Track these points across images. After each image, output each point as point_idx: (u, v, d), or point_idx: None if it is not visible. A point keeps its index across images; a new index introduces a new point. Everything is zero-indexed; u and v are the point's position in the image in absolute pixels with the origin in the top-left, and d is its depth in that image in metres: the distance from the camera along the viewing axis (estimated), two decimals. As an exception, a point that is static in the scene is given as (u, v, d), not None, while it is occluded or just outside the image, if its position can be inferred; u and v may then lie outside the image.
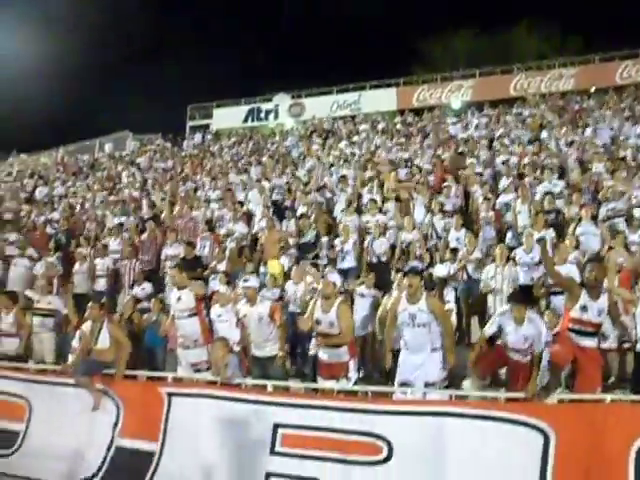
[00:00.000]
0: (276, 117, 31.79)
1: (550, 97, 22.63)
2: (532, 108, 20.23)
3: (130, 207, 15.58)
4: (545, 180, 11.90)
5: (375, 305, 9.16)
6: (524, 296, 7.12)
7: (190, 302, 7.72)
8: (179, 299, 7.77)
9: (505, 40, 33.66)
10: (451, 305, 8.76)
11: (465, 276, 9.86)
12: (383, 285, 9.67)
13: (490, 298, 9.18)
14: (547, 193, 11.14)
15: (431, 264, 10.14)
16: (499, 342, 6.70)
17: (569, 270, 8.10)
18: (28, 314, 9.78)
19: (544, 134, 15.84)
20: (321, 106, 29.92)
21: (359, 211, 12.46)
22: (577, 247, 9.28)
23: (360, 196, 13.44)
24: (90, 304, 8.29)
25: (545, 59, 29.24)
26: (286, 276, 10.50)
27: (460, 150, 15.81)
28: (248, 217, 13.52)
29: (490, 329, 6.73)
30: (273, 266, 10.89)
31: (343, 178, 14.38)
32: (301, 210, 12.99)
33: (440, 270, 9.90)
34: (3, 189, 20.67)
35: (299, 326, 7.32)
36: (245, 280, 7.93)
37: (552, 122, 17.16)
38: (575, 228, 9.83)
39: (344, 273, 10.34)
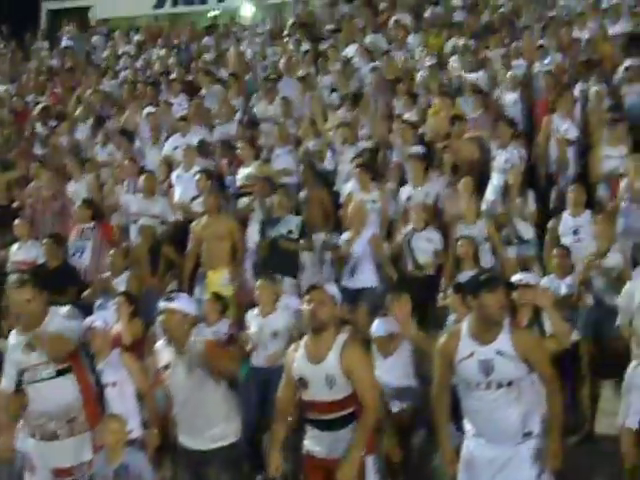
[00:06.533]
0: (221, -3, 31.30)
1: None
2: None
3: None
4: None
5: (419, 353, 9.39)
6: None
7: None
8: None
9: None
10: None
11: (591, 300, 9.90)
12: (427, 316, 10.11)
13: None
14: None
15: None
16: None
17: None
18: None
19: None
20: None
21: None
22: None
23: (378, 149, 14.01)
24: None
25: None
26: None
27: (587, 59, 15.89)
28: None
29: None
30: (217, 278, 11.40)
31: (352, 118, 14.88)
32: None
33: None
34: None
35: None
36: (168, 298, 7.70)
37: None
38: None
39: (353, 296, 10.72)
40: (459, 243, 10.83)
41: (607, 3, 18.94)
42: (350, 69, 17.74)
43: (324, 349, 6.88)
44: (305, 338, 7.08)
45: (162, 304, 7.52)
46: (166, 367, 7.52)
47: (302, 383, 7.00)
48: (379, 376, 8.33)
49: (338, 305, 7.19)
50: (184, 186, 13.56)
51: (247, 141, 14.33)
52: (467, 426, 6.85)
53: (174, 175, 14.04)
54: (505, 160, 12.50)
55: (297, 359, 7.03)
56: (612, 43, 16.25)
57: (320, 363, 6.85)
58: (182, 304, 7.55)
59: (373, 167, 13.19)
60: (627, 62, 14.62)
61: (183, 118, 15.72)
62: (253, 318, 10.10)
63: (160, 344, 7.73)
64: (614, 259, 9.93)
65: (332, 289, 7.29)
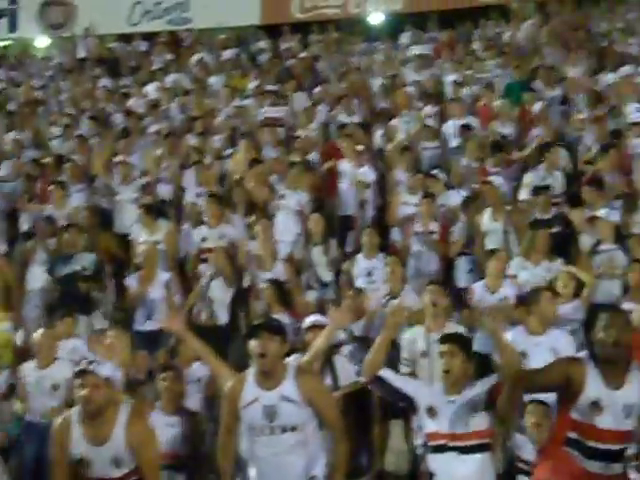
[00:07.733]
0: (13, 28, 30.08)
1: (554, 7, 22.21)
2: (522, 28, 20.49)
3: None
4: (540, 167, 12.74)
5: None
6: None
7: None
8: None
9: None
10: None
11: None
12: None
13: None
14: (540, 188, 12.08)
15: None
16: None
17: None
18: None
19: (537, 85, 16.43)
20: (109, 11, 28.63)
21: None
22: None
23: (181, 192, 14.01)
24: None
25: None
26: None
27: (382, 106, 16.45)
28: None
29: None
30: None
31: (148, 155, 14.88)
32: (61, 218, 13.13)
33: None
34: None
35: None
36: None
37: (554, 58, 17.66)
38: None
39: (149, 339, 10.66)
40: (263, 287, 10.73)
41: (409, 53, 19.72)
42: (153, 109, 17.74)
43: (107, 429, 6.52)
44: (77, 415, 6.62)
45: None
46: None
47: (83, 464, 6.57)
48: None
49: (114, 385, 6.79)
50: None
51: (58, 181, 13.99)
52: (251, 472, 6.73)
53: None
54: (297, 202, 12.66)
55: (73, 440, 6.59)
56: (407, 92, 16.52)
57: (104, 444, 6.50)
58: None
59: (156, 207, 13.08)
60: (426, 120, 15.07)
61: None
62: (30, 371, 9.62)
63: None
64: (406, 299, 10.06)
65: (105, 370, 6.75)
